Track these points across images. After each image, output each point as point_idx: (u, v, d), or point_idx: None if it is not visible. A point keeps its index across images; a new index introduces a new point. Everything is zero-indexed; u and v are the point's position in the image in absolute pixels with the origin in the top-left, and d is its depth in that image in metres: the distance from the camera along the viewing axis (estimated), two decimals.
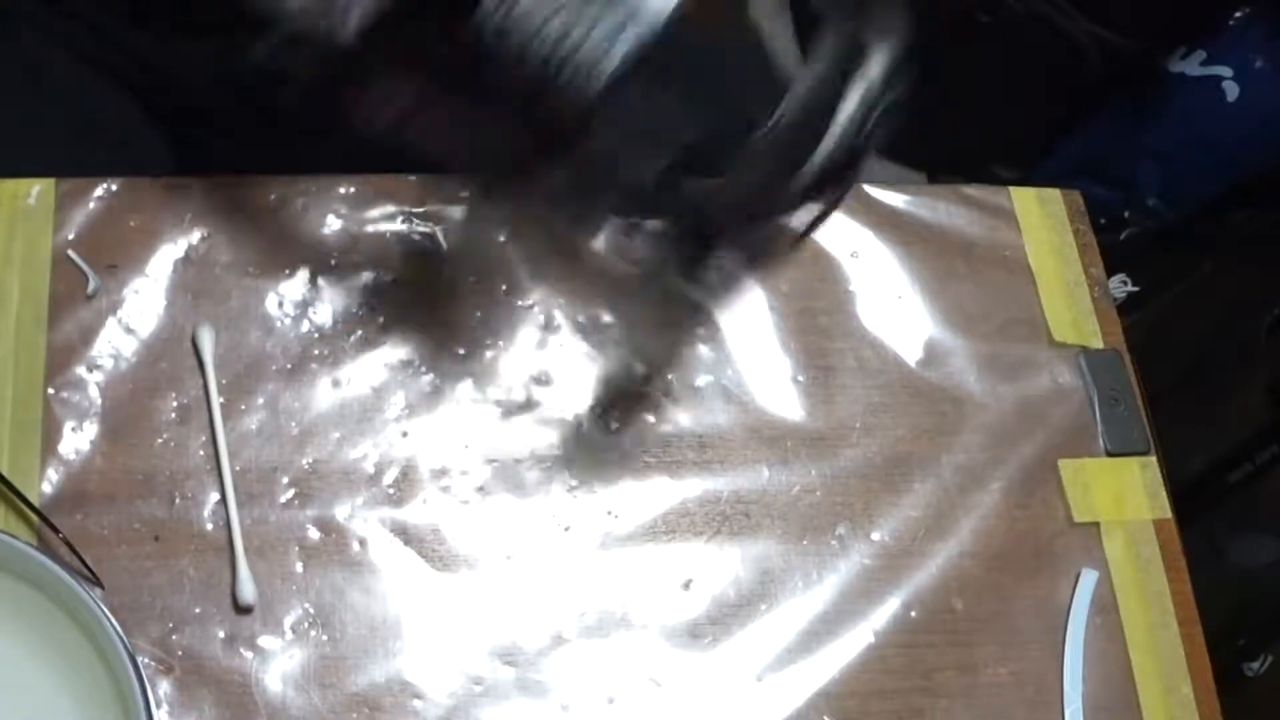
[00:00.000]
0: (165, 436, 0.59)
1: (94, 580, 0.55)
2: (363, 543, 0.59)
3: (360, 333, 0.63)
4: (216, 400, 0.60)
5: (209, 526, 0.58)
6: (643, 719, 0.59)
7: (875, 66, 0.49)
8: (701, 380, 0.66)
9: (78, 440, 0.58)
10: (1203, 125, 1.50)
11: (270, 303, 0.63)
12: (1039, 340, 0.71)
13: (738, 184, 0.51)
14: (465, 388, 0.63)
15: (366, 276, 0.64)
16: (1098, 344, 0.72)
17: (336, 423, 0.61)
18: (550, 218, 0.60)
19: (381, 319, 0.63)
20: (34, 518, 0.56)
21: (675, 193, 0.51)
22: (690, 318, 0.67)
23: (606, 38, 0.46)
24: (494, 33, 0.46)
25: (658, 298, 0.62)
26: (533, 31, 0.46)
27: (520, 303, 0.65)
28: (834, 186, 0.51)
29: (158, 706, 0.54)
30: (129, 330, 0.61)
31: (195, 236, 0.63)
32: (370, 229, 0.65)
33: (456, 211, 0.65)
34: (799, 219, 0.53)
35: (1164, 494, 0.69)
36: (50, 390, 0.59)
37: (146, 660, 0.55)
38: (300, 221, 0.65)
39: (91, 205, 0.62)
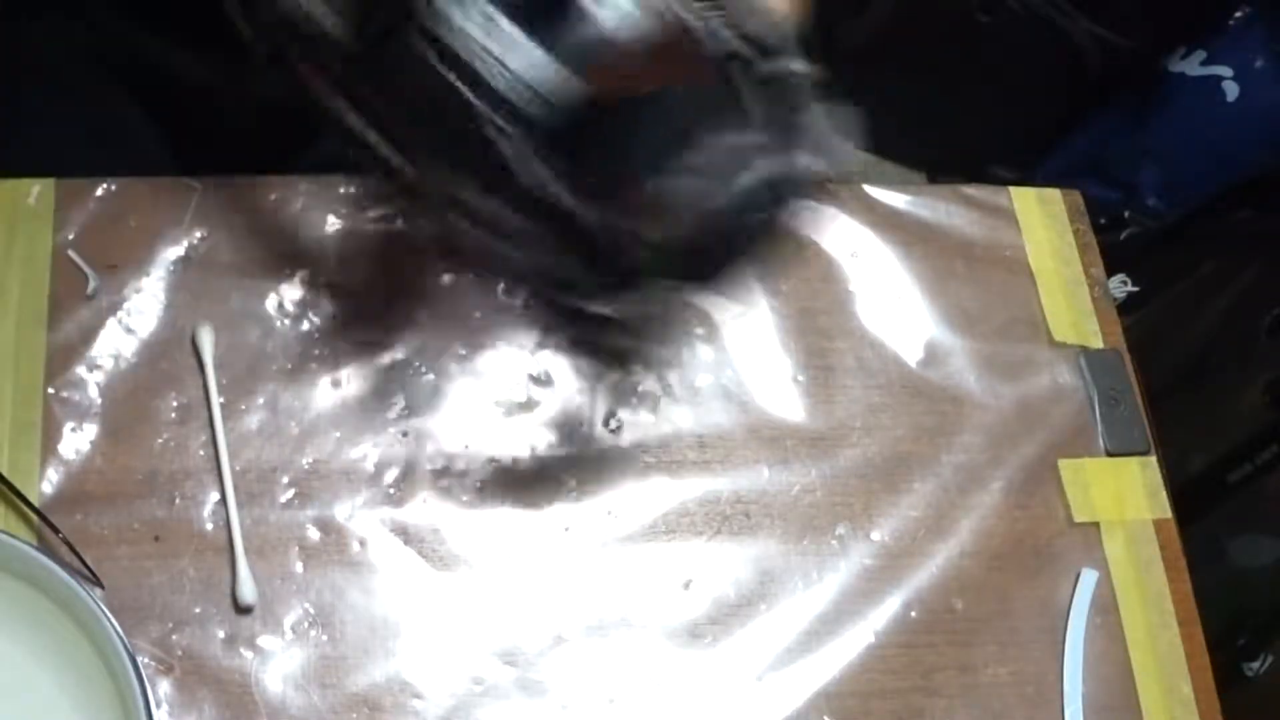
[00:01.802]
0: (165, 436, 0.59)
1: (94, 580, 0.55)
2: (363, 543, 0.59)
3: (360, 333, 0.63)
4: (216, 400, 0.60)
5: (209, 526, 0.58)
6: (643, 719, 0.59)
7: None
8: (701, 380, 0.66)
9: (78, 440, 0.58)
10: (1203, 125, 1.50)
11: (270, 303, 0.63)
12: (1039, 340, 0.71)
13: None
14: (465, 388, 0.63)
15: (366, 277, 0.64)
16: (1098, 344, 0.72)
17: (336, 423, 0.61)
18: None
19: (381, 319, 0.63)
20: (34, 518, 0.56)
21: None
22: (691, 317, 0.67)
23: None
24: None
25: (659, 297, 0.62)
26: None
27: (520, 302, 0.65)
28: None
29: (158, 706, 0.54)
30: (129, 330, 0.61)
31: (195, 236, 0.63)
32: (370, 229, 0.65)
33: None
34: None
35: (1164, 494, 0.69)
36: (50, 390, 0.59)
37: (146, 660, 0.55)
38: (300, 221, 0.65)
39: (91, 205, 0.62)
